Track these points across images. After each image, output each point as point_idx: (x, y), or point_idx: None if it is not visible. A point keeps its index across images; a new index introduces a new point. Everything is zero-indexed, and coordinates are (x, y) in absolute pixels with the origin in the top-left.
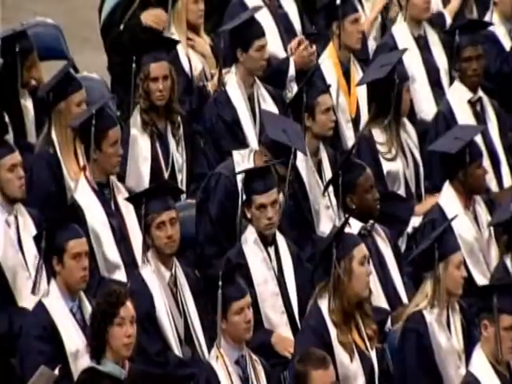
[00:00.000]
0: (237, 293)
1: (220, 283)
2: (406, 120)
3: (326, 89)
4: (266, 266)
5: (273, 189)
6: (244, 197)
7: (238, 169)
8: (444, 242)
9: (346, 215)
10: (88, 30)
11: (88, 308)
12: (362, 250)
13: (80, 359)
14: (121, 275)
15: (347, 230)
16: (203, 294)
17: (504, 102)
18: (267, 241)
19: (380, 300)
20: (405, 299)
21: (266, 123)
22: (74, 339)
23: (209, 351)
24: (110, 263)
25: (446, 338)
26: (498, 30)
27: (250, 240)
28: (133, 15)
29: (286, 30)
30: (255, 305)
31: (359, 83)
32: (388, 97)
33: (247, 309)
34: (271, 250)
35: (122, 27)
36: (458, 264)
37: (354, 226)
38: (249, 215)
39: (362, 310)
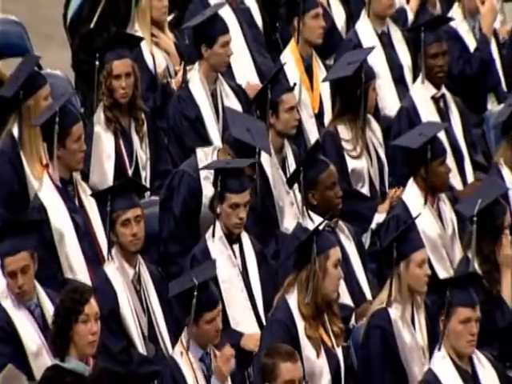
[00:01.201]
0: (210, 303)
1: (195, 293)
2: (371, 117)
3: (291, 87)
4: (231, 264)
5: (247, 190)
6: (208, 191)
7: (201, 166)
8: (406, 240)
9: (310, 212)
10: (51, 26)
11: (47, 306)
12: (337, 252)
13: (40, 358)
14: (84, 275)
15: (311, 225)
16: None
17: (466, 101)
18: (232, 238)
19: (344, 297)
20: (369, 296)
21: (229, 121)
22: (33, 338)
23: (173, 348)
24: (72, 263)
25: (411, 334)
26: (461, 26)
27: (215, 237)
28: (102, 13)
29: (249, 26)
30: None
31: (325, 79)
32: (354, 94)
33: (218, 317)
34: (236, 247)
35: (92, 25)
36: (421, 262)
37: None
38: (218, 210)
39: (330, 310)
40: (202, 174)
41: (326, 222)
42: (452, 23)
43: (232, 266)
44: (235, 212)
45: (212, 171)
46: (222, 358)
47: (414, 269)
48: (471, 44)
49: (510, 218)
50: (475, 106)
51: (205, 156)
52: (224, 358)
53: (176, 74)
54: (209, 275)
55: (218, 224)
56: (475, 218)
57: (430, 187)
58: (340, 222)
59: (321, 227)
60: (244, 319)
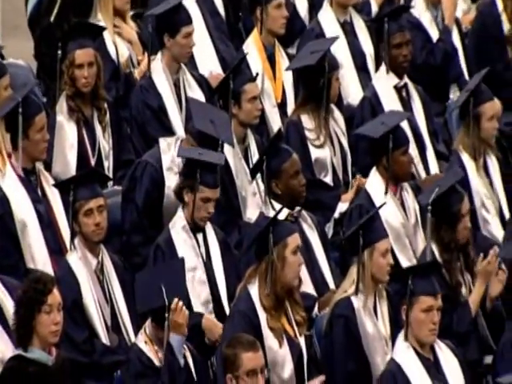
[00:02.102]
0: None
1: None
2: (334, 107)
3: (253, 77)
4: (195, 253)
5: (219, 186)
6: (170, 182)
7: (164, 157)
8: (370, 229)
9: (273, 201)
10: (18, 16)
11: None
12: (295, 239)
13: None
14: (46, 265)
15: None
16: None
17: (428, 91)
18: (196, 227)
19: (307, 286)
20: (332, 285)
21: (193, 113)
22: None
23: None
24: (35, 253)
25: (373, 324)
26: (424, 16)
27: (178, 226)
28: (63, 6)
29: (211, 15)
30: None
31: (288, 68)
32: (317, 84)
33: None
34: (199, 236)
35: (52, 19)
36: (384, 252)
37: (281, 213)
38: (186, 199)
39: (292, 298)
40: (165, 165)
41: (289, 211)
42: (415, 13)
43: (196, 256)
44: (205, 206)
45: (176, 162)
46: (173, 312)
47: (377, 258)
48: (434, 34)
49: (468, 204)
50: (437, 95)
51: (167, 146)
52: (175, 310)
53: (139, 63)
54: (178, 284)
55: (181, 213)
56: (429, 207)
57: (393, 176)
58: (303, 212)
59: (282, 217)
60: (202, 312)
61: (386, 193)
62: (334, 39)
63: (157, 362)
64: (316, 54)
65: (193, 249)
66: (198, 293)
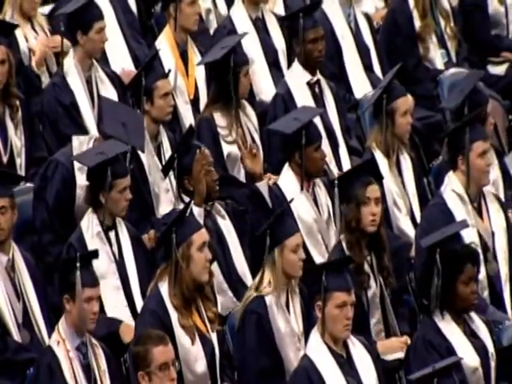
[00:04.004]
0: (90, 279)
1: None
2: (246, 103)
3: (166, 73)
4: (108, 259)
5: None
6: (81, 181)
7: (75, 155)
8: (280, 226)
9: (186, 197)
10: None
11: None
12: (201, 235)
13: None
14: None
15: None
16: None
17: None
18: (107, 225)
19: (219, 279)
20: (248, 276)
21: (104, 114)
22: None
23: (49, 336)
24: None
25: (286, 320)
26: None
27: (91, 232)
28: None
29: (123, 12)
30: None
31: (199, 63)
32: (224, 80)
33: (95, 300)
34: (112, 233)
35: None
36: (294, 247)
37: (195, 207)
38: (103, 200)
39: (203, 294)
40: (77, 164)
41: (204, 205)
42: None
43: (110, 262)
44: (123, 195)
45: None
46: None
47: (288, 254)
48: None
49: (378, 193)
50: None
51: (80, 145)
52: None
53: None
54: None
55: (93, 217)
56: (336, 181)
57: (306, 172)
58: (217, 204)
59: (196, 212)
60: (118, 309)
61: (301, 189)
62: (242, 35)
63: (65, 365)
64: (224, 50)
65: (106, 255)
66: (114, 299)
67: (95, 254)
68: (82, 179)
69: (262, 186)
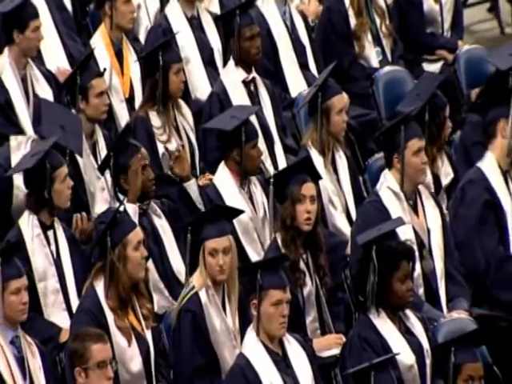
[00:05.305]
0: (14, 271)
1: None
2: (181, 102)
3: (101, 72)
4: (48, 262)
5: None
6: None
7: (13, 156)
8: (202, 226)
9: (121, 196)
10: None
11: None
12: (136, 234)
13: None
14: None
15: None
16: None
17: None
18: (46, 225)
19: (155, 277)
20: (183, 274)
21: (43, 118)
22: None
23: None
24: None
25: (221, 319)
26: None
27: (30, 226)
28: None
29: (58, 10)
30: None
31: (135, 60)
32: (154, 78)
33: (24, 290)
34: (50, 233)
35: None
36: (212, 251)
37: (129, 205)
38: (47, 196)
39: (138, 291)
40: (14, 164)
41: (139, 204)
42: (261, 8)
43: (49, 265)
44: (65, 184)
45: None
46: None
47: (207, 257)
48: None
49: (314, 191)
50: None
51: (18, 145)
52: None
53: None
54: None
55: (33, 218)
56: (272, 179)
57: (243, 170)
58: (152, 203)
59: (131, 211)
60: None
61: (241, 186)
62: (174, 34)
63: (0, 361)
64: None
65: (46, 257)
66: (53, 302)
67: (16, 247)
68: (19, 179)
69: (190, 186)
